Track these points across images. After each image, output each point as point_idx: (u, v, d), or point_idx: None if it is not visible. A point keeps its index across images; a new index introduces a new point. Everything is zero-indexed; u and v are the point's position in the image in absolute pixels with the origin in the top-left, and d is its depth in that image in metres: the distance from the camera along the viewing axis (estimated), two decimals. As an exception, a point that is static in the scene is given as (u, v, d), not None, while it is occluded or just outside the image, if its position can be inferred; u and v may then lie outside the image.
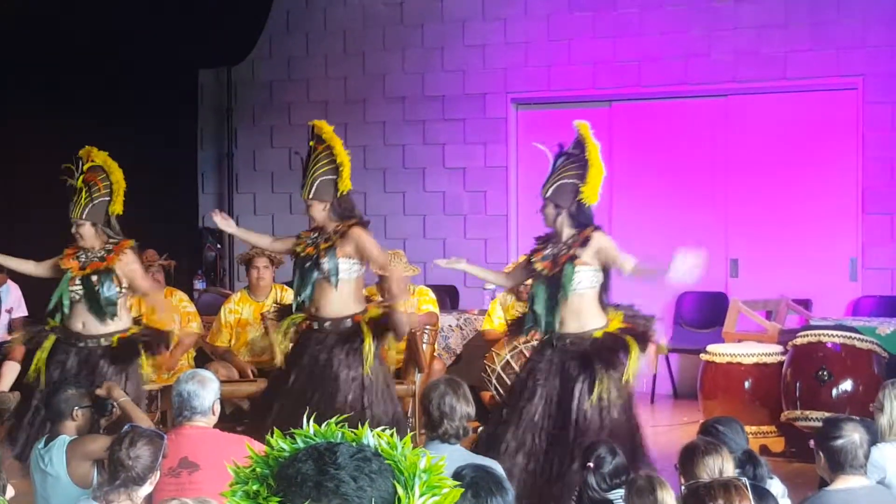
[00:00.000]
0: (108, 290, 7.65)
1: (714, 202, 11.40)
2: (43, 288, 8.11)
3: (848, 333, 8.46)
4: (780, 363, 8.78)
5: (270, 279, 9.64)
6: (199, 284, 12.04)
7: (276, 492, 2.12)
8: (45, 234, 9.33)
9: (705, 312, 11.18)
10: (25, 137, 10.94)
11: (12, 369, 10.21)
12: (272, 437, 2.18)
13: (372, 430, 2.16)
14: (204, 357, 9.59)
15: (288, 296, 9.41)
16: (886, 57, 10.76)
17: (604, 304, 7.11)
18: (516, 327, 7.56)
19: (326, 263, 7.61)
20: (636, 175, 11.45)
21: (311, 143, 7.81)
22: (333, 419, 2.19)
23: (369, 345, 7.52)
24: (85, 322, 7.74)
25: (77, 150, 7.93)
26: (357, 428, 2.18)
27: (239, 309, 9.59)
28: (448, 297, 11.42)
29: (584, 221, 7.09)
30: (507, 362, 9.00)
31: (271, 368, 8.73)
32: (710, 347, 9.27)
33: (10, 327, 10.66)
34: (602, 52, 11.62)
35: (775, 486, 5.21)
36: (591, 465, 5.25)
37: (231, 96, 13.26)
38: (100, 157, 7.88)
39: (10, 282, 10.50)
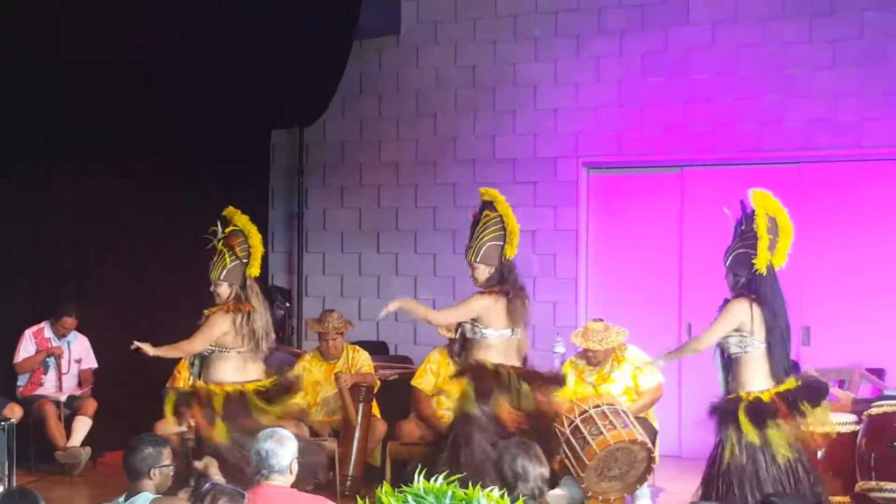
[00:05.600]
0: None
1: (786, 270, 11.25)
2: (111, 340, 8.15)
3: (925, 404, 8.35)
4: (854, 433, 8.65)
5: (342, 345, 9.69)
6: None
7: None
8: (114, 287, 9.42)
9: (777, 380, 11.03)
10: (101, 194, 11.08)
11: (84, 424, 10.24)
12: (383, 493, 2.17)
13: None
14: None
15: (359, 356, 9.50)
16: (963, 125, 10.68)
17: (773, 368, 7.50)
18: None
19: None
20: (708, 241, 11.35)
21: (483, 211, 8.21)
22: (442, 475, 2.18)
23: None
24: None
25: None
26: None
27: (311, 368, 9.63)
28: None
29: (745, 291, 7.70)
30: (577, 426, 8.91)
31: (342, 428, 8.77)
32: (782, 416, 9.14)
33: (80, 379, 10.66)
34: (674, 117, 11.60)
35: None
36: None
37: (303, 156, 13.37)
38: (241, 220, 8.07)
39: (76, 332, 10.50)
